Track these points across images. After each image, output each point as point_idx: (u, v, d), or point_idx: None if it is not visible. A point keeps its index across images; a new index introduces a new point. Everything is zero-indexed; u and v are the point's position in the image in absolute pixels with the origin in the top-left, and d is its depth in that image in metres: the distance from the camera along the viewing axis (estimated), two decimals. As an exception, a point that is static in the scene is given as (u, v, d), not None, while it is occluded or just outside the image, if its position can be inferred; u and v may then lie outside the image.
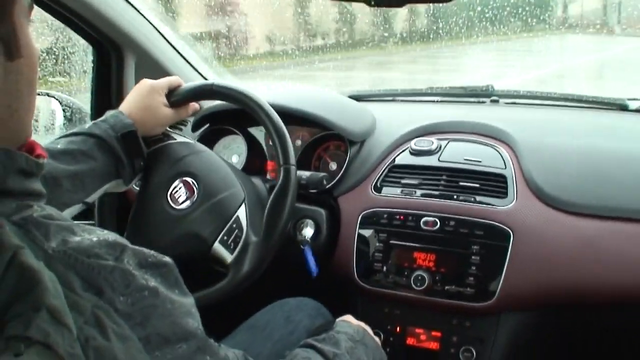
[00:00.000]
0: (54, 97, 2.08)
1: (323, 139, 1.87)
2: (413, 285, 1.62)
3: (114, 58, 2.01)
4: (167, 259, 0.81)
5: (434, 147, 1.77)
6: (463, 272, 1.60)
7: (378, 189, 1.73)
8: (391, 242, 1.67)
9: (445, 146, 1.78)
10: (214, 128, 1.94)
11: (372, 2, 1.40)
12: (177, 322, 0.78)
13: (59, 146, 1.36)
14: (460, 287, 1.60)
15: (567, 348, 1.88)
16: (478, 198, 1.64)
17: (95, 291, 0.70)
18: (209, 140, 1.94)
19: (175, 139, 1.53)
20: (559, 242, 1.56)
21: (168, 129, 1.55)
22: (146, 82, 1.52)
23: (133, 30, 1.98)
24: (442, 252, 1.62)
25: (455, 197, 1.66)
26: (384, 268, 1.67)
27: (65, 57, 2.28)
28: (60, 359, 0.62)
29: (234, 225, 1.45)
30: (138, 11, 2.00)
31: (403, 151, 1.80)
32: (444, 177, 1.70)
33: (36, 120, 2.12)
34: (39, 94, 2.05)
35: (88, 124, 1.43)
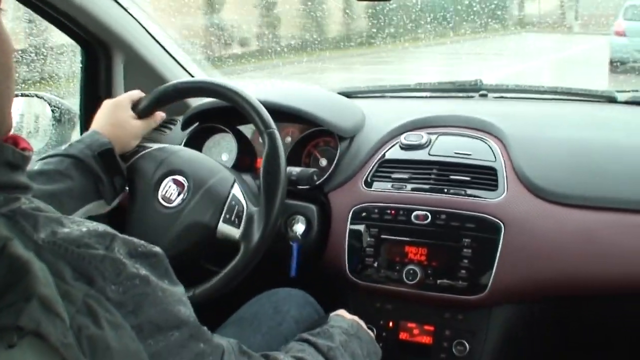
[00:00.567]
0: (43, 99, 2.07)
1: (313, 135, 1.87)
2: (405, 280, 1.62)
3: (103, 58, 2.01)
4: (157, 249, 0.81)
5: (423, 141, 1.77)
6: (455, 266, 1.60)
7: (369, 184, 1.73)
8: (382, 236, 1.67)
9: (435, 140, 1.78)
10: (203, 126, 1.93)
11: (359, -2, 1.40)
12: (169, 309, 0.78)
13: (34, 168, 1.37)
14: (452, 281, 1.60)
15: (559, 340, 1.88)
16: (468, 191, 1.65)
17: (86, 280, 0.70)
18: (199, 138, 1.94)
19: (152, 147, 1.55)
20: (550, 233, 1.56)
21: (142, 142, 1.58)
22: (109, 101, 1.55)
23: (122, 30, 1.98)
24: (434, 246, 1.62)
25: (445, 190, 1.66)
26: (376, 263, 1.67)
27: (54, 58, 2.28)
28: (53, 348, 0.62)
29: (233, 203, 1.46)
30: (126, 10, 1.99)
31: (393, 146, 1.80)
32: (435, 171, 1.71)
33: (25, 122, 2.11)
34: (27, 96, 2.07)
35: (64, 145, 1.44)
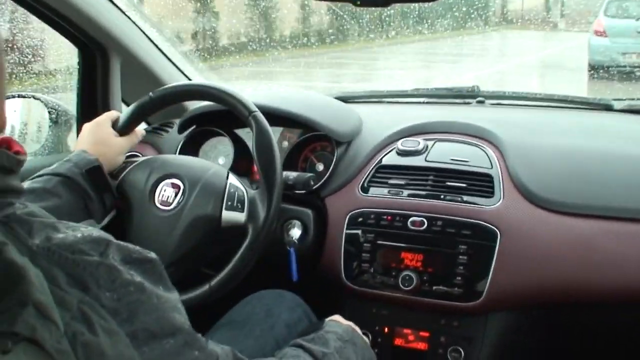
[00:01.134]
0: (40, 100, 2.07)
1: (310, 140, 1.87)
2: (401, 286, 1.62)
3: (100, 60, 2.01)
4: (152, 254, 0.81)
5: (420, 147, 1.77)
6: (451, 272, 1.60)
7: (365, 190, 1.73)
8: (379, 242, 1.66)
9: (431, 146, 1.78)
10: (200, 129, 1.93)
11: (358, 2, 1.41)
12: (164, 317, 0.77)
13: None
14: (448, 287, 1.60)
15: (555, 348, 1.88)
16: (465, 198, 1.64)
17: (81, 287, 0.70)
18: (196, 141, 1.94)
19: (138, 159, 1.57)
20: (546, 241, 1.56)
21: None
22: (88, 123, 1.57)
23: (118, 32, 1.97)
24: (430, 252, 1.62)
25: (442, 197, 1.66)
26: (372, 268, 1.67)
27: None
28: (48, 355, 0.61)
29: (232, 190, 1.47)
30: (123, 12, 1.99)
31: (390, 152, 1.80)
32: (431, 177, 1.70)
33: (21, 123, 2.11)
34: (24, 97, 2.06)
35: (53, 165, 1.44)
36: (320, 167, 1.87)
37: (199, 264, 1.52)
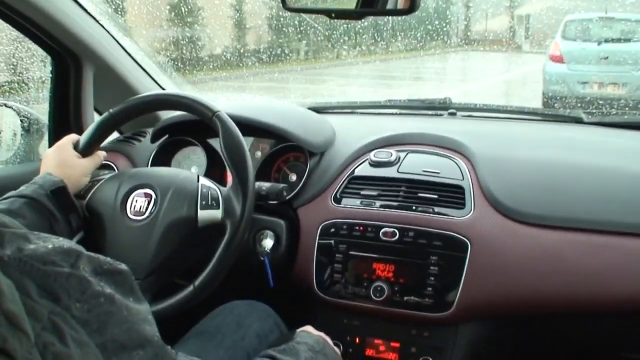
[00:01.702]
0: (12, 108, 2.05)
1: (283, 150, 1.87)
2: (372, 296, 1.63)
3: (73, 69, 2.00)
4: (123, 266, 0.81)
5: (393, 158, 1.78)
6: (422, 283, 1.61)
7: (338, 200, 1.74)
8: (351, 252, 1.67)
9: (404, 158, 1.79)
10: (173, 139, 1.93)
11: (333, 15, 1.42)
12: (134, 328, 0.77)
13: None
14: (418, 298, 1.61)
15: (525, 357, 1.90)
16: (436, 209, 1.66)
17: (52, 298, 0.70)
18: (168, 151, 1.94)
19: (104, 177, 1.56)
20: (516, 252, 1.58)
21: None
22: (50, 149, 1.58)
23: (92, 41, 1.97)
24: (401, 263, 1.63)
25: (414, 208, 1.67)
26: (344, 279, 1.67)
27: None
28: None
29: (204, 190, 1.47)
30: (97, 22, 1.99)
31: (362, 162, 1.81)
32: (403, 189, 1.72)
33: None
34: (-5, 104, 2.05)
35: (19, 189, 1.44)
36: (293, 177, 1.88)
37: (179, 269, 1.52)
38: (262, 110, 1.94)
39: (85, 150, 1.55)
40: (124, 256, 1.40)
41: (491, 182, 1.66)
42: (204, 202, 1.46)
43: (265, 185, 1.71)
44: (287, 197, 1.75)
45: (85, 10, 1.94)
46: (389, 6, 1.52)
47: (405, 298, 1.62)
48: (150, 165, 1.88)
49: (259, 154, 1.92)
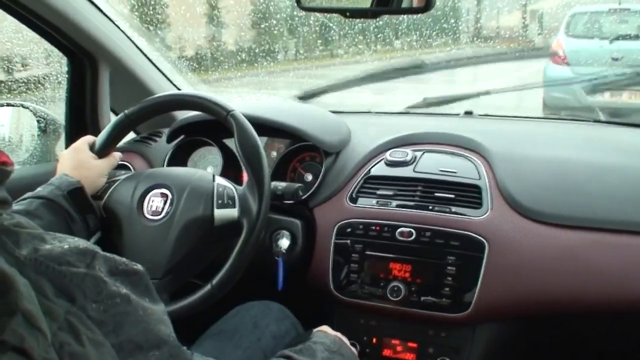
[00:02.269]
0: (28, 109, 2.06)
1: (298, 150, 1.87)
2: (389, 296, 1.63)
3: (89, 69, 2.01)
4: (139, 266, 0.81)
5: (409, 158, 1.77)
6: (439, 283, 1.60)
7: (354, 200, 1.74)
8: (367, 252, 1.67)
9: (420, 157, 1.79)
10: (189, 139, 1.93)
11: (348, 14, 1.41)
12: (150, 329, 0.77)
13: None
14: (436, 298, 1.60)
15: (543, 358, 1.88)
16: (453, 209, 1.65)
17: (68, 298, 0.70)
18: (185, 151, 1.94)
19: (120, 177, 1.57)
20: (534, 252, 1.57)
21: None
22: (65, 150, 1.58)
23: (108, 42, 1.97)
24: (418, 263, 1.62)
25: (430, 207, 1.66)
26: (360, 279, 1.67)
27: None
28: None
29: (220, 189, 1.47)
30: (113, 22, 1.99)
31: (378, 162, 1.80)
32: (420, 188, 1.71)
33: (9, 132, 2.10)
34: (13, 105, 2.06)
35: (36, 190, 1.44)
36: (309, 177, 1.87)
37: (195, 269, 1.52)
38: (278, 110, 1.94)
39: (101, 152, 1.55)
40: (141, 256, 1.40)
41: (508, 182, 1.65)
42: (220, 201, 1.46)
43: (281, 184, 1.71)
44: (303, 197, 1.75)
45: (101, 10, 1.94)
46: (404, 4, 1.52)
47: (422, 298, 1.61)
48: (167, 165, 1.88)
49: (274, 153, 1.92)
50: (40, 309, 0.65)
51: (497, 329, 1.67)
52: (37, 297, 0.66)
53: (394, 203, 1.70)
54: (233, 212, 1.46)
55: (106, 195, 1.52)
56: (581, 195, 1.61)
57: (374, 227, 1.67)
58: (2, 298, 0.63)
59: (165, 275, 1.42)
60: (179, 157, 1.92)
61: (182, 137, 1.94)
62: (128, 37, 2.06)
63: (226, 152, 1.90)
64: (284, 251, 1.70)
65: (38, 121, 2.06)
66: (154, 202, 1.47)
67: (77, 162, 1.52)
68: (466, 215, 1.63)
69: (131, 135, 2.07)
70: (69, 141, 2.00)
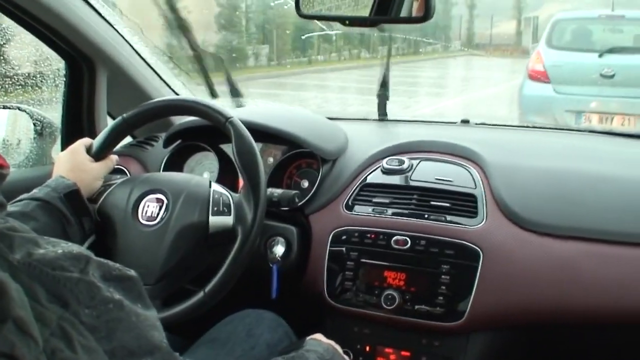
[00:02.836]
0: (25, 111, 2.06)
1: (295, 156, 1.87)
2: (383, 305, 1.62)
3: (87, 73, 2.00)
4: (132, 272, 0.81)
5: (405, 166, 1.77)
6: (433, 292, 1.60)
7: (349, 208, 1.73)
8: (362, 260, 1.66)
9: (416, 165, 1.79)
10: (186, 144, 1.93)
11: (347, 22, 1.42)
12: (143, 335, 0.77)
13: None
14: (430, 307, 1.60)
15: None
16: (449, 217, 1.65)
17: (61, 303, 0.69)
18: (181, 156, 1.93)
19: (116, 181, 1.57)
20: (528, 262, 1.57)
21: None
22: (63, 152, 1.58)
23: (106, 45, 1.97)
24: (413, 271, 1.62)
25: (426, 216, 1.66)
26: (355, 287, 1.66)
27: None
28: None
29: (216, 196, 1.48)
30: (111, 26, 1.99)
31: (375, 170, 1.80)
32: (415, 196, 1.71)
33: (5, 135, 2.10)
34: (9, 108, 2.06)
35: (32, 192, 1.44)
36: (305, 184, 1.87)
37: (189, 275, 1.52)
38: (275, 116, 1.94)
39: (98, 155, 1.55)
40: (135, 261, 1.40)
41: (504, 191, 1.65)
42: (215, 208, 1.46)
43: (277, 191, 1.70)
44: (299, 204, 1.75)
45: (99, 13, 1.94)
46: (403, 14, 1.52)
47: (417, 307, 1.61)
48: (163, 170, 1.88)
49: (271, 160, 1.92)
50: (32, 314, 0.65)
51: (491, 338, 1.67)
52: (30, 302, 0.66)
53: (390, 211, 1.70)
54: (228, 220, 1.46)
55: (101, 199, 1.52)
56: (576, 206, 1.61)
57: (369, 235, 1.67)
58: None
59: (159, 281, 1.42)
60: (176, 162, 1.92)
61: (178, 142, 1.94)
62: (126, 41, 2.06)
63: (223, 158, 1.90)
64: (278, 258, 1.69)
65: (34, 124, 2.06)
66: (149, 207, 1.47)
67: (74, 165, 1.52)
68: (461, 224, 1.63)
69: (128, 139, 2.06)
70: (65, 144, 1.99)
